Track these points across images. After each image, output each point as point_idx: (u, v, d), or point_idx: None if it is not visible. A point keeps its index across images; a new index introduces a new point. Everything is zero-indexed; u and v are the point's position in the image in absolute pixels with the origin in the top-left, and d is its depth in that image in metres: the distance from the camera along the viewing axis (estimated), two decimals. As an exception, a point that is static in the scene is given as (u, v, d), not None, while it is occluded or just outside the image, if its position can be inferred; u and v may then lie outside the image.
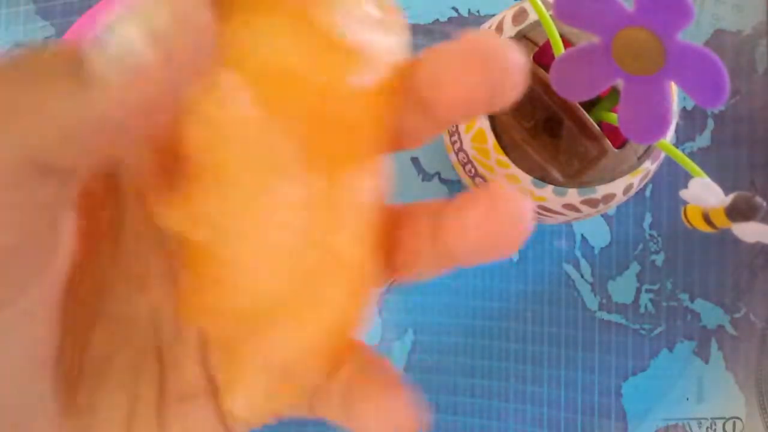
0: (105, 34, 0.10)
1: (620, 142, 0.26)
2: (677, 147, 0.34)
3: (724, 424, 0.34)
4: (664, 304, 0.34)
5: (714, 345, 0.34)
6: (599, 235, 0.34)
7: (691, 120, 0.35)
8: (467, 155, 0.27)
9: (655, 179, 0.34)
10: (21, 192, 0.10)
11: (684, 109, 0.35)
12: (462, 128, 0.27)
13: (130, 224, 0.14)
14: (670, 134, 0.26)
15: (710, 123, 0.35)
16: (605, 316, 0.34)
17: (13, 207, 0.11)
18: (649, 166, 0.26)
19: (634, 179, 0.26)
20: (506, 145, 0.26)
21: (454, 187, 0.33)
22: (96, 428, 0.14)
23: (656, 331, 0.34)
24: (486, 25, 0.28)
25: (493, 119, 0.26)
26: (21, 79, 0.10)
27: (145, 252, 0.14)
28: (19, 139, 0.10)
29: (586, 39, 0.25)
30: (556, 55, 0.22)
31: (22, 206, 0.11)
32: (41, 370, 0.13)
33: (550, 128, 0.26)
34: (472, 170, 0.27)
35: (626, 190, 0.26)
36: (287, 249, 0.12)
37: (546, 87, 0.25)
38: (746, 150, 0.35)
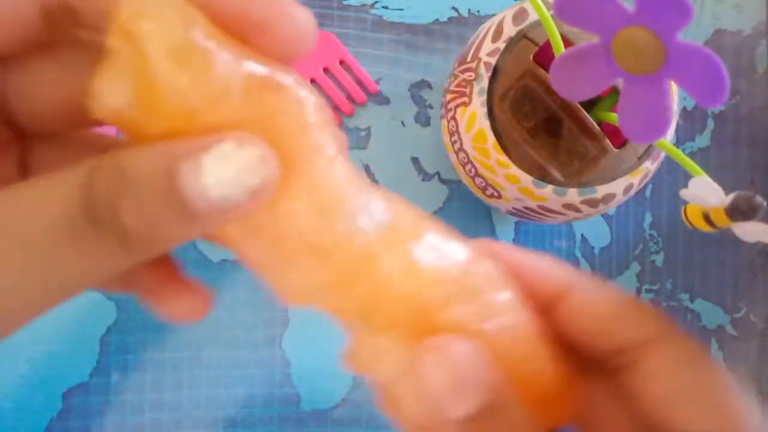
0: (199, 171, 0.11)
1: (620, 142, 0.26)
2: (677, 147, 0.34)
3: (724, 424, 0.34)
4: (664, 304, 0.34)
5: (714, 345, 0.34)
6: (599, 235, 0.34)
7: (691, 120, 0.35)
8: (467, 155, 0.27)
9: (655, 179, 0.34)
10: None
11: (684, 109, 0.35)
12: (462, 128, 0.27)
13: None
14: (670, 134, 0.26)
15: (710, 123, 0.35)
16: (605, 316, 0.34)
17: None
18: (649, 166, 0.26)
19: (634, 179, 0.26)
20: (506, 145, 0.25)
21: (454, 187, 0.33)
22: None
23: (656, 331, 0.34)
24: (486, 25, 0.28)
25: (493, 119, 0.26)
26: None
27: None
28: None
29: (586, 39, 0.25)
30: (556, 55, 0.22)
31: None
32: None
33: (550, 128, 0.26)
34: (472, 170, 0.27)
35: (626, 190, 0.26)
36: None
37: (546, 87, 0.25)
38: (746, 150, 0.35)
